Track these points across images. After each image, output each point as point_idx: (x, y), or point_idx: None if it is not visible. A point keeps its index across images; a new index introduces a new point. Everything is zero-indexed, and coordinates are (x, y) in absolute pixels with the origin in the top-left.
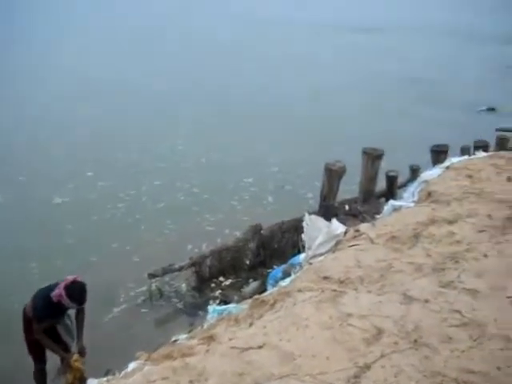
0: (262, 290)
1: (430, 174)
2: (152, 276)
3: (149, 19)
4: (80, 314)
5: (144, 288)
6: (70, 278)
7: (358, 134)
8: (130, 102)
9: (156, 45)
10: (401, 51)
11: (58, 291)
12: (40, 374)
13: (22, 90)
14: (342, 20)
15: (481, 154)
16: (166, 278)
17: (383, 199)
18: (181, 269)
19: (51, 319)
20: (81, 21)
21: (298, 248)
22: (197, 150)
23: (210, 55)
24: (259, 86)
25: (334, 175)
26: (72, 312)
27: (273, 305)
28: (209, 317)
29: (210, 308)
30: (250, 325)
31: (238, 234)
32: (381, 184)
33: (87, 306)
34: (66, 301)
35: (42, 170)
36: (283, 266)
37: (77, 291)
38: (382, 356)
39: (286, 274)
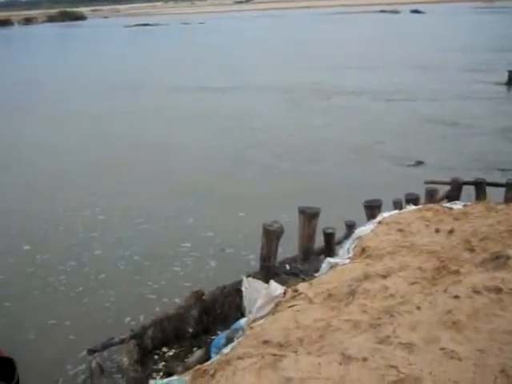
0: (207, 358)
1: (364, 229)
2: (92, 352)
3: None
4: None
5: (83, 366)
6: None
7: (292, 192)
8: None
9: None
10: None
11: None
12: None
13: None
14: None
15: (410, 207)
16: (107, 352)
17: (323, 256)
18: (122, 342)
19: None
20: None
21: (242, 311)
22: (128, 217)
23: None
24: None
25: (271, 236)
26: None
27: (213, 375)
28: None
29: (152, 382)
30: None
31: (178, 301)
32: (319, 241)
33: None
34: None
35: None
36: (226, 332)
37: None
38: None
39: (230, 340)
